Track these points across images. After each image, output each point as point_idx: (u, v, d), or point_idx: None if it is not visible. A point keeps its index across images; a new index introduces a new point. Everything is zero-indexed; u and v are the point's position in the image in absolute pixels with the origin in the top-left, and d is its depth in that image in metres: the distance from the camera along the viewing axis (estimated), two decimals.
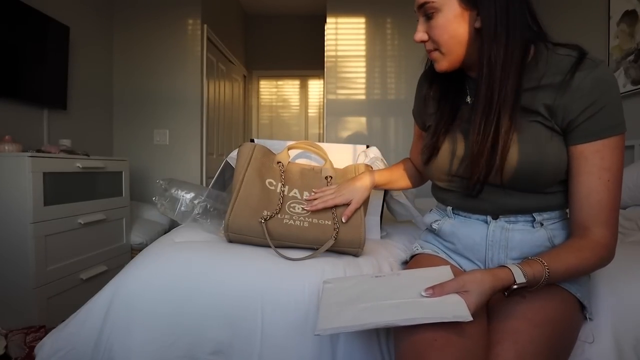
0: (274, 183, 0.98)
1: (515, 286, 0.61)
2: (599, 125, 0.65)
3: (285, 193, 0.97)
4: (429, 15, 0.71)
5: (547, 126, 0.69)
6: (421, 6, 0.71)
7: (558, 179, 0.71)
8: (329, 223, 0.91)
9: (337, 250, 0.91)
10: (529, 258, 0.66)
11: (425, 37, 0.73)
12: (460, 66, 0.76)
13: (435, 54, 0.74)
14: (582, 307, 0.72)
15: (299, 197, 0.97)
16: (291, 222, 0.91)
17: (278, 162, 1.03)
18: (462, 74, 0.80)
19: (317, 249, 0.88)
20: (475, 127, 0.71)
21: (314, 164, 1.12)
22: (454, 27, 0.69)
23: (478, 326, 0.61)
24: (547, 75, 0.68)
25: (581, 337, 0.71)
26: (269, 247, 0.88)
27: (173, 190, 1.05)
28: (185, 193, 1.05)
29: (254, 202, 0.92)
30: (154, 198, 1.09)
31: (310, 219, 0.92)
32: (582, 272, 0.68)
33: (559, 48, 0.70)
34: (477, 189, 0.74)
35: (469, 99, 0.79)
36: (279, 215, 0.91)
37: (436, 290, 0.61)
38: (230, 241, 0.94)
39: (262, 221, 0.88)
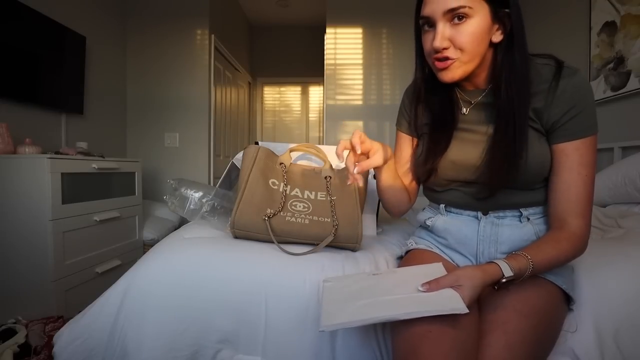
0: (277, 183, 0.98)
1: (504, 280, 0.62)
2: (578, 126, 0.67)
3: (288, 192, 0.96)
4: (460, 16, 0.64)
5: (534, 128, 0.70)
6: (451, 10, 0.64)
7: (542, 176, 0.72)
8: (329, 220, 0.91)
9: (336, 245, 0.91)
10: (514, 252, 0.66)
11: (447, 43, 0.66)
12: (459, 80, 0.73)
13: (454, 64, 0.68)
14: (567, 299, 0.72)
15: (300, 195, 0.97)
16: (293, 219, 0.91)
17: (280, 164, 1.03)
18: (453, 87, 0.78)
19: (317, 245, 0.88)
20: (499, 137, 0.70)
21: (314, 165, 1.11)
22: (483, 35, 0.66)
23: (470, 317, 0.61)
24: (534, 83, 0.69)
25: (565, 326, 0.71)
26: (272, 242, 0.88)
27: (183, 190, 1.05)
28: (194, 192, 1.05)
29: (258, 201, 0.92)
30: (165, 197, 1.09)
31: (311, 217, 0.92)
32: (562, 262, 0.69)
33: (536, 58, 0.71)
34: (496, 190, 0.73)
35: (464, 110, 0.78)
36: (281, 213, 0.91)
37: (432, 285, 0.61)
38: (236, 237, 0.94)
39: (266, 218, 0.88)
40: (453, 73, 0.69)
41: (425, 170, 0.80)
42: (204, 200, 1.05)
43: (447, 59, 0.67)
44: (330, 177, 1.02)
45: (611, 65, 1.92)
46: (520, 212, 0.75)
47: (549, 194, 0.72)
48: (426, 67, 0.77)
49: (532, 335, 0.61)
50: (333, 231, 0.88)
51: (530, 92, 0.68)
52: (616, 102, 1.90)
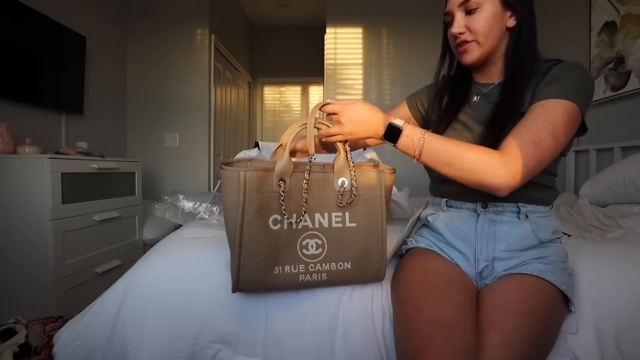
0: (279, 219, 0.71)
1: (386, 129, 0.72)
2: (550, 90, 0.71)
3: (295, 226, 0.72)
4: (471, 10, 0.76)
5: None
6: (464, 2, 0.76)
7: None
8: (349, 267, 0.75)
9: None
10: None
11: (464, 29, 0.78)
12: (479, 63, 0.81)
13: (471, 45, 0.78)
14: (566, 300, 0.72)
15: (311, 224, 0.73)
16: (308, 277, 0.73)
17: (280, 181, 0.71)
18: (469, 80, 0.87)
19: None
20: (494, 112, 0.77)
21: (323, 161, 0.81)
22: (493, 21, 0.76)
23: (474, 319, 0.63)
24: (535, 75, 0.76)
25: (565, 328, 0.71)
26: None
27: (179, 202, 1.04)
28: (188, 202, 1.03)
29: (260, 257, 0.70)
30: (156, 205, 1.08)
31: (327, 266, 0.74)
32: (466, 158, 0.67)
33: (547, 61, 0.78)
34: None
35: (475, 98, 0.85)
36: (293, 270, 0.73)
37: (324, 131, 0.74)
38: None
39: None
40: (472, 55, 0.79)
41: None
42: (201, 208, 1.04)
43: (464, 42, 0.79)
44: (345, 183, 0.74)
45: (611, 65, 1.92)
46: (519, 207, 0.76)
47: None
48: (454, 61, 0.89)
49: (529, 335, 0.61)
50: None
51: (530, 81, 0.75)
52: (616, 102, 1.90)
